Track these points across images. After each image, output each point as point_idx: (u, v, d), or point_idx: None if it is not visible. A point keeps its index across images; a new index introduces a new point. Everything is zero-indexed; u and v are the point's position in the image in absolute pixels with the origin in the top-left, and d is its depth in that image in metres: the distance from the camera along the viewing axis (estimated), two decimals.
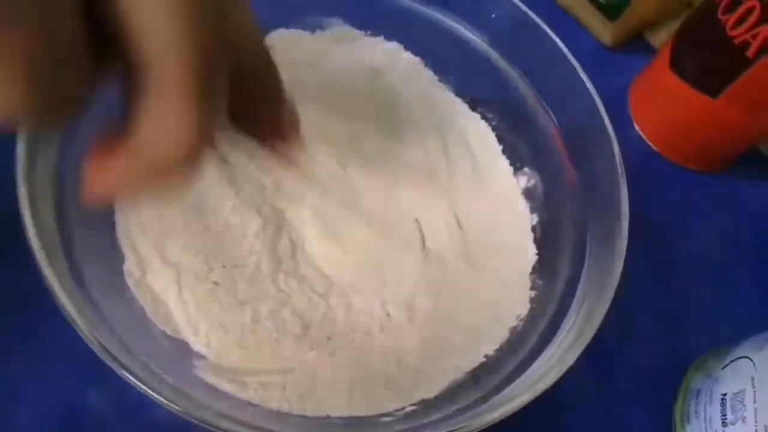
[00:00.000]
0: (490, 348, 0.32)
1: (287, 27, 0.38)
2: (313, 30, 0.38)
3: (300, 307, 0.32)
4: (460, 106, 0.39)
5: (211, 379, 0.28)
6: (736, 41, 0.36)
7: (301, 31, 0.38)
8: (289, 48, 0.38)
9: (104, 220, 0.31)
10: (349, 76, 0.39)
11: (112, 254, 0.31)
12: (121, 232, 0.31)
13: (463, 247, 0.35)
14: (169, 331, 0.30)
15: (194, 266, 0.31)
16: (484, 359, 0.31)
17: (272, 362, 0.30)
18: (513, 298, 0.33)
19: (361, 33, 0.39)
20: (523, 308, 0.33)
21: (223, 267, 0.32)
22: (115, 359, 0.23)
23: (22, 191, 0.25)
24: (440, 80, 0.39)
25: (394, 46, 0.39)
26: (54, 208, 0.27)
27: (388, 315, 0.33)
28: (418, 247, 0.35)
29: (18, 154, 0.26)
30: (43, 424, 0.30)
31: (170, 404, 0.23)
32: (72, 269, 0.26)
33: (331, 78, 0.39)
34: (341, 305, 0.33)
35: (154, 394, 0.23)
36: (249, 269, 0.32)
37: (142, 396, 0.24)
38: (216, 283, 0.31)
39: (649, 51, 0.49)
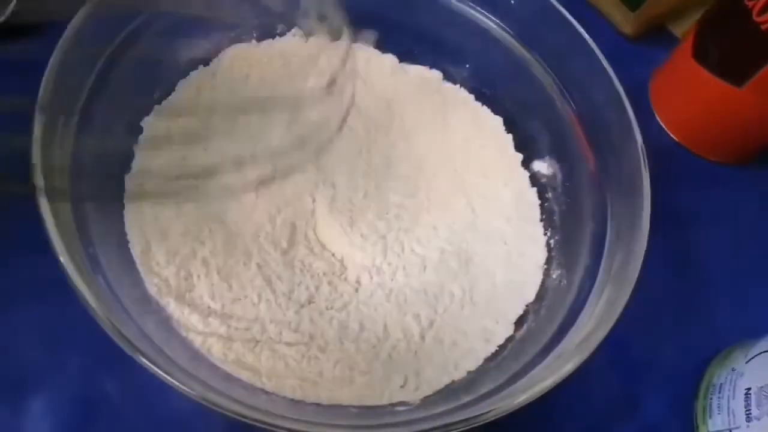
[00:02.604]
0: (507, 335, 0.31)
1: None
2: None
3: (310, 302, 0.32)
4: (468, 98, 0.39)
5: (221, 361, 0.28)
6: (763, 27, 0.36)
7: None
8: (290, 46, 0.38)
9: (115, 208, 0.31)
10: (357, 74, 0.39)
11: (126, 242, 0.31)
12: (130, 220, 0.31)
13: (476, 235, 0.35)
14: (180, 319, 0.30)
15: (204, 253, 0.31)
16: (498, 349, 0.31)
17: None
18: (531, 282, 0.33)
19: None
20: (540, 296, 0.33)
21: (231, 253, 0.32)
22: (130, 343, 0.23)
23: (39, 180, 0.25)
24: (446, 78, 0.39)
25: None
26: (70, 197, 0.27)
27: (405, 303, 0.33)
28: (432, 238, 0.35)
29: (33, 145, 0.26)
30: (59, 412, 0.30)
31: (186, 389, 0.23)
32: (88, 257, 0.26)
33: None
34: (354, 298, 0.32)
35: (170, 378, 0.23)
36: (257, 258, 0.32)
37: (158, 382, 0.23)
38: (227, 269, 0.31)
39: (672, 41, 0.48)
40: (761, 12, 0.36)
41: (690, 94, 0.43)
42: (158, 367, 0.23)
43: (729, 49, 0.39)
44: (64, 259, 0.24)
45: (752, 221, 0.43)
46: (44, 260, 0.24)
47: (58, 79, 0.27)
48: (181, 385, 0.23)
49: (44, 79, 0.27)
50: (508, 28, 0.37)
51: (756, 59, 0.37)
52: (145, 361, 0.23)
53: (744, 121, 0.41)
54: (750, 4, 0.36)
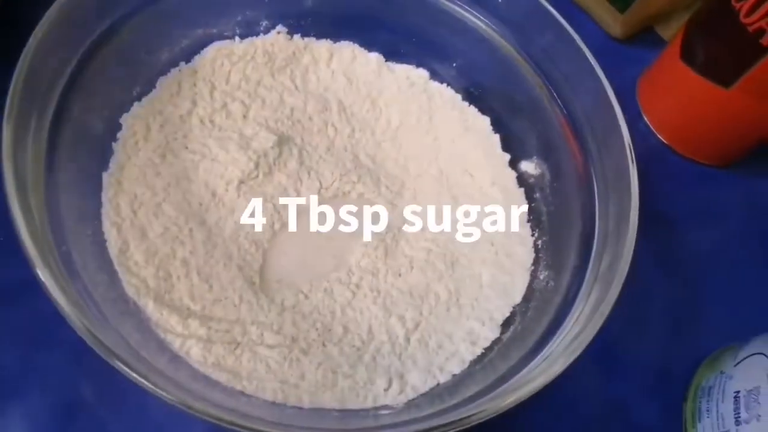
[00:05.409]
0: (493, 337, 0.31)
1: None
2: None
3: (294, 302, 0.31)
4: (455, 97, 0.38)
5: (200, 364, 0.28)
6: (750, 29, 0.35)
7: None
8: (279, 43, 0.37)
9: (92, 206, 0.30)
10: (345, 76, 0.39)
11: (103, 241, 0.30)
12: (107, 219, 0.30)
13: (463, 237, 0.35)
14: (158, 320, 0.29)
15: (184, 253, 0.31)
16: (484, 351, 0.31)
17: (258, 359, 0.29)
18: (518, 284, 0.33)
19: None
20: (527, 297, 0.32)
21: (212, 253, 0.31)
22: (105, 347, 0.23)
23: (10, 177, 0.24)
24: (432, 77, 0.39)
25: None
26: (44, 194, 0.26)
27: (390, 304, 0.32)
28: (418, 238, 0.34)
29: (3, 143, 0.25)
30: (35, 417, 0.29)
31: (163, 393, 0.23)
32: (62, 257, 0.25)
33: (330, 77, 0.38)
34: (338, 299, 0.32)
35: (146, 382, 0.23)
36: (238, 259, 0.31)
37: (135, 385, 0.23)
38: (208, 270, 0.31)
39: (660, 44, 0.48)
40: (748, 13, 0.35)
41: (677, 95, 0.43)
42: (135, 370, 0.23)
43: (716, 51, 0.39)
44: (36, 260, 0.23)
45: (740, 223, 0.43)
46: (17, 260, 0.23)
47: (30, 74, 0.26)
48: (158, 389, 0.23)
49: (15, 74, 0.26)
50: (495, 27, 0.37)
51: (743, 60, 0.37)
52: (120, 365, 0.23)
53: (731, 122, 0.41)
54: (737, 5, 0.36)
